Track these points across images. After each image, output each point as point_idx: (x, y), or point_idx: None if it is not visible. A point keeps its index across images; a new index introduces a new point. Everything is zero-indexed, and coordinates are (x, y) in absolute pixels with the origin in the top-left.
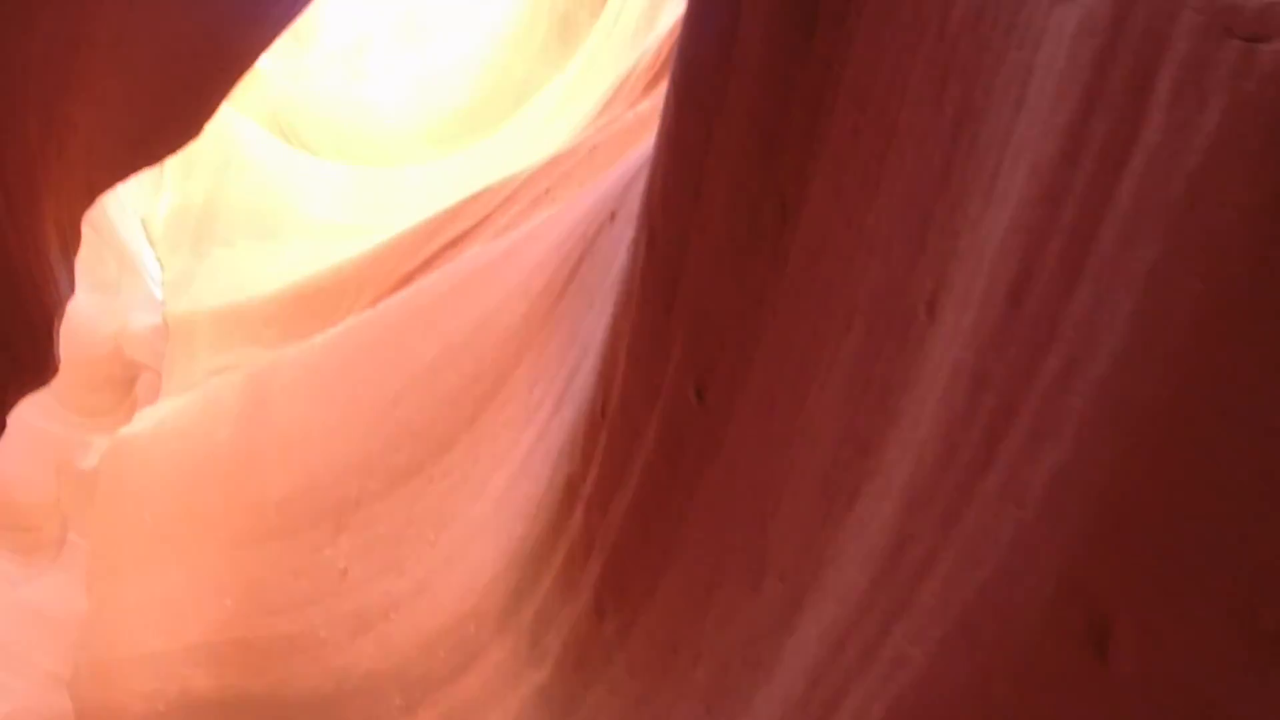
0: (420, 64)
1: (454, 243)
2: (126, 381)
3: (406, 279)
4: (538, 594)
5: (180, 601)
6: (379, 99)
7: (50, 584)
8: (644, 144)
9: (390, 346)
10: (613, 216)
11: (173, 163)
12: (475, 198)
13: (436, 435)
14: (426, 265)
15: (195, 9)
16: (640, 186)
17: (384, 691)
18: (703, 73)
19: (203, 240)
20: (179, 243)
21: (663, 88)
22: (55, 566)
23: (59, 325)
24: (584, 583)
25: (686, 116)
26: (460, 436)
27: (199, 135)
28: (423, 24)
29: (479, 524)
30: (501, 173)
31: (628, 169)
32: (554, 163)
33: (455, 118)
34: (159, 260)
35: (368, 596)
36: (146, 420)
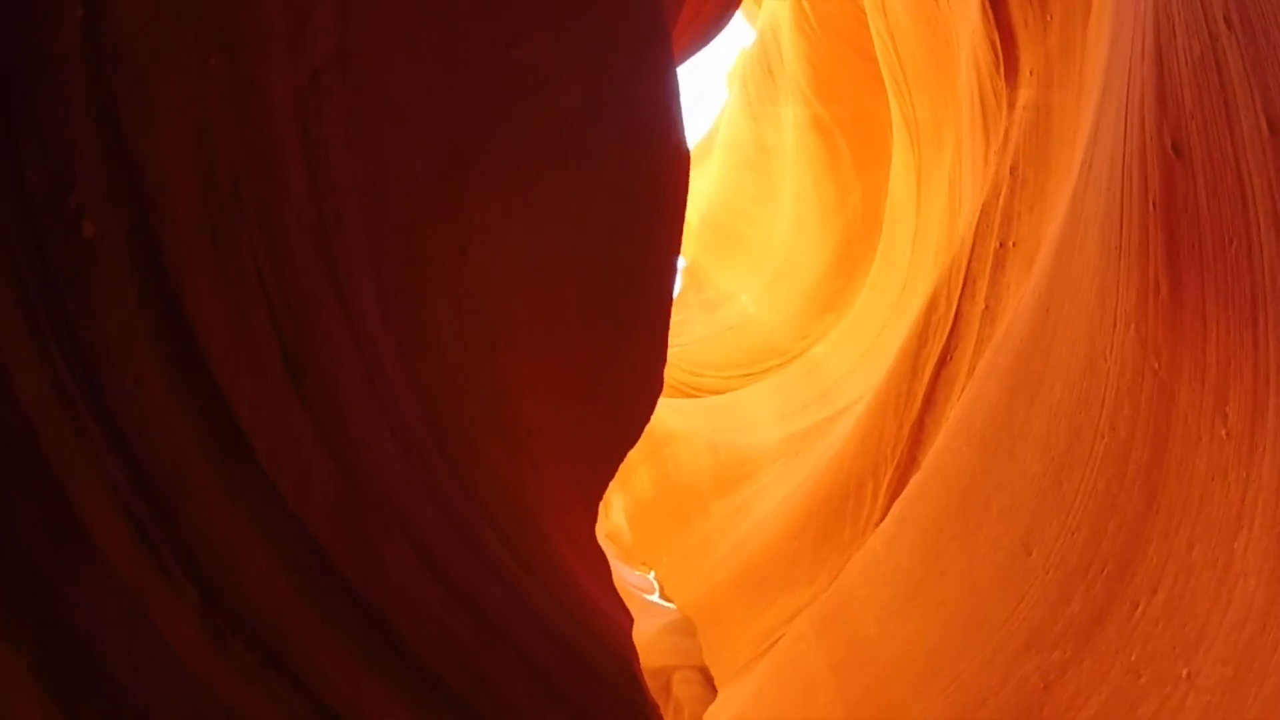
0: (725, 309)
1: (943, 360)
2: (660, 690)
3: (917, 427)
4: None
5: None
6: (703, 346)
7: None
8: None
9: (968, 496)
10: (1176, 150)
11: None
12: (930, 309)
13: (1106, 553)
14: (930, 400)
15: (597, 235)
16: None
17: None
18: None
19: (678, 524)
20: (655, 537)
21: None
22: None
23: (639, 664)
24: None
25: None
26: (1142, 531)
27: (661, 386)
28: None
29: (1261, 609)
30: (890, 327)
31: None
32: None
33: (799, 315)
34: (644, 564)
35: None
36: None
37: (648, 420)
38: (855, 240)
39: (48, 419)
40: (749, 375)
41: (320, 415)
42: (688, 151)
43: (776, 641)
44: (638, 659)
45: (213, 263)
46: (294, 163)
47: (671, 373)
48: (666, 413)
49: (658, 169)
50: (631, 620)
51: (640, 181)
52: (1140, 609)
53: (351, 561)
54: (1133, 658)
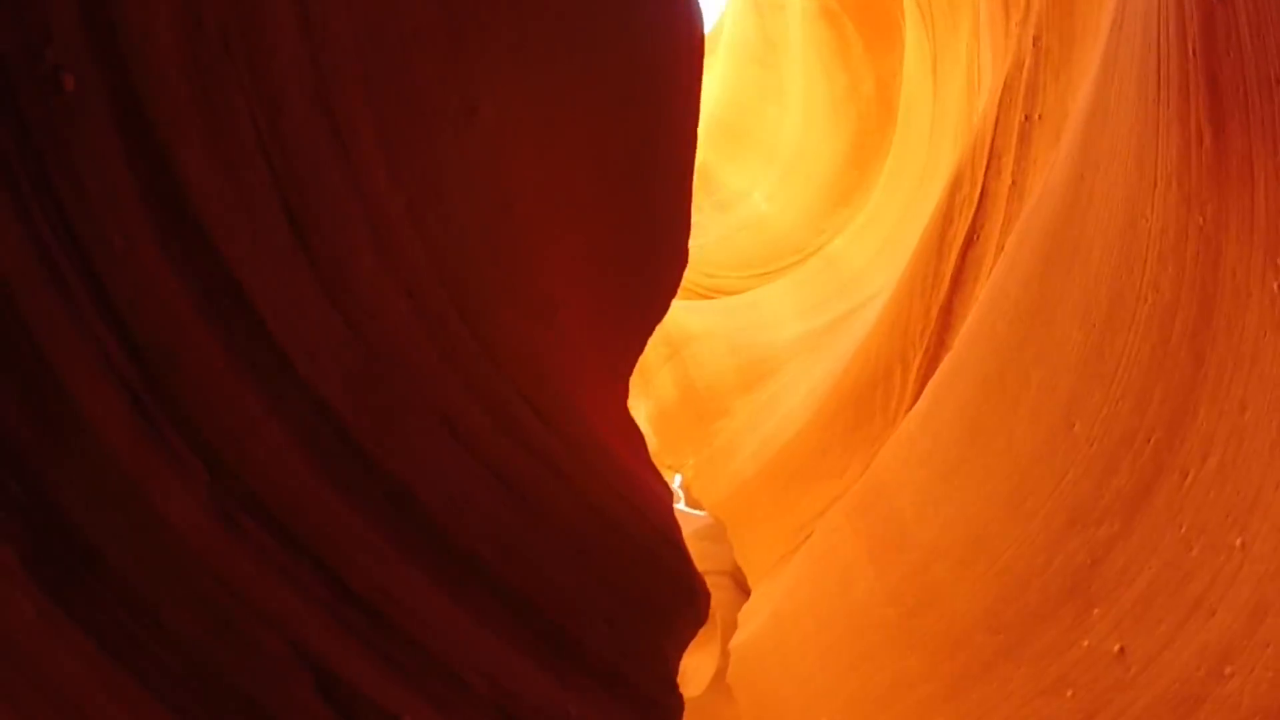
0: (738, 209)
1: (970, 240)
2: None
3: (945, 310)
4: None
5: None
6: (718, 247)
7: None
8: None
9: (1005, 371)
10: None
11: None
12: (953, 189)
13: (1153, 421)
14: (958, 281)
15: (610, 99)
16: None
17: None
18: None
19: (702, 425)
20: (680, 441)
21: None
22: None
23: (681, 535)
24: None
25: None
26: (1191, 395)
27: (685, 259)
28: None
29: None
30: (909, 215)
31: None
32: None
33: (815, 210)
34: (669, 468)
35: (1174, 667)
36: (753, 618)
37: (674, 292)
38: (869, 130)
39: (29, 285)
40: (766, 274)
41: (329, 277)
42: (700, 9)
43: (810, 535)
44: (679, 530)
45: (202, 118)
46: (285, 12)
47: (687, 275)
48: (684, 315)
49: (669, 27)
50: (671, 493)
51: (651, 41)
52: (1191, 477)
53: (371, 432)
54: (1183, 529)
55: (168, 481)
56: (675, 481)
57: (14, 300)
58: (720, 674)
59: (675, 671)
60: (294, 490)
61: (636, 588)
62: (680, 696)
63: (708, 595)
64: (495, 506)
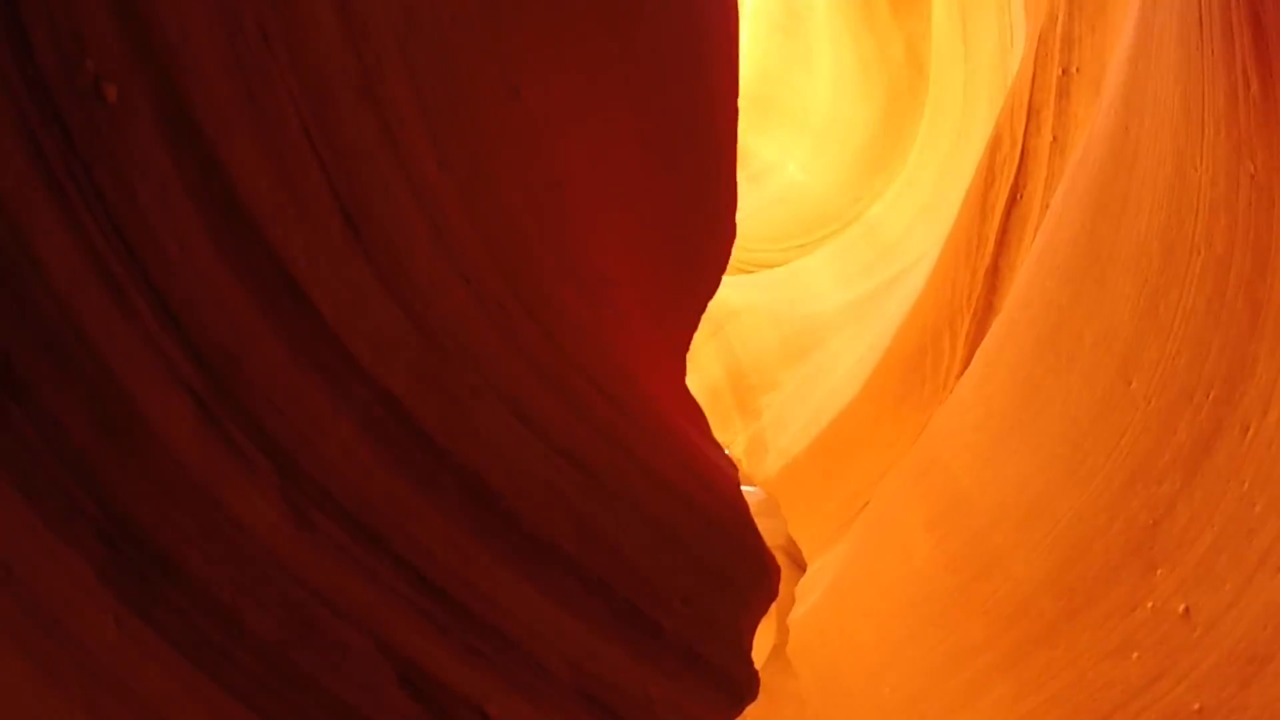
0: (772, 180)
1: (1013, 199)
2: None
3: (991, 272)
4: None
5: None
6: (754, 220)
7: None
8: None
9: (1058, 330)
10: None
11: None
12: (993, 149)
13: (1211, 375)
14: (1003, 243)
15: (648, 72)
16: None
17: None
18: None
19: (750, 401)
20: (728, 417)
21: None
22: None
23: (749, 510)
24: None
25: None
26: (1248, 348)
27: (733, 232)
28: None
29: None
30: (947, 177)
31: None
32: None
33: (850, 178)
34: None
35: (1240, 626)
36: (810, 591)
37: (724, 265)
38: (901, 93)
39: (87, 300)
40: (805, 245)
41: (385, 268)
42: None
43: (864, 506)
44: (747, 505)
45: (248, 116)
46: (324, 3)
47: None
48: (725, 290)
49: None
50: (736, 467)
51: (686, 14)
52: (1251, 432)
53: (439, 422)
54: (1245, 485)
55: (239, 484)
56: None
57: (74, 316)
58: (778, 650)
59: (750, 646)
60: (366, 484)
61: (710, 564)
62: (755, 670)
63: (778, 569)
64: (567, 488)
